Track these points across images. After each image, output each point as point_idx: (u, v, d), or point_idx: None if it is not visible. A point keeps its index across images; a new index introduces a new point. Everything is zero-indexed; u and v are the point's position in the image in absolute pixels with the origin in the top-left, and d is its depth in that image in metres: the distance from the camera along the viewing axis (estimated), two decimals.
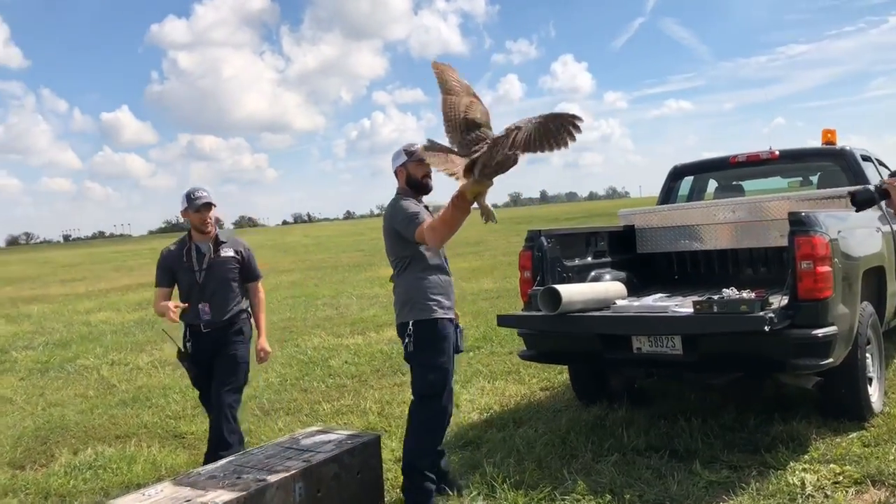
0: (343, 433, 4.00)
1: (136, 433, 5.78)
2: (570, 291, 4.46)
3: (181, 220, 4.56)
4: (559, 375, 6.20)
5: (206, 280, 4.38)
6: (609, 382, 5.45)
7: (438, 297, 3.73)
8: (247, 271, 4.57)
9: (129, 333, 11.61)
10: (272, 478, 3.35)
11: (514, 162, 3.02)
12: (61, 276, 29.61)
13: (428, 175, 3.80)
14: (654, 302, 4.52)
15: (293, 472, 3.43)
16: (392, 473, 4.18)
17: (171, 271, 4.43)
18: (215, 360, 4.40)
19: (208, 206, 4.40)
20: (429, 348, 3.71)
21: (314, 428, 4.28)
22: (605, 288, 4.77)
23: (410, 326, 3.71)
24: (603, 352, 4.63)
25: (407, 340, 3.73)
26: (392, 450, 4.57)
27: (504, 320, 4.84)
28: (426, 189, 3.83)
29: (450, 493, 3.86)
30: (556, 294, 4.36)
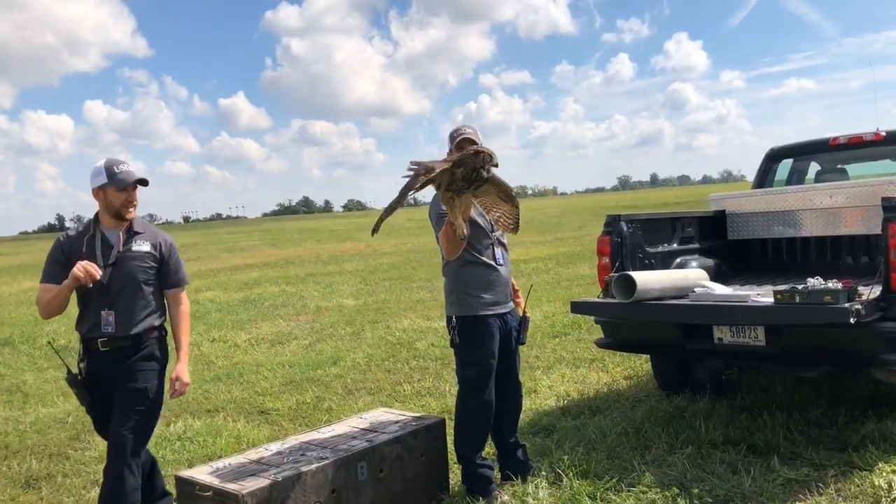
0: (409, 415, 4.04)
1: (225, 408, 6.02)
2: (647, 278, 4.33)
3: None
4: (644, 364, 6.05)
5: (113, 280, 3.33)
6: (693, 373, 5.30)
7: (479, 293, 3.69)
8: (166, 274, 3.50)
9: (233, 312, 12.09)
10: (335, 456, 3.42)
11: (460, 177, 3.19)
12: None
13: None
14: (735, 290, 4.33)
15: (356, 451, 3.49)
16: None
17: (68, 265, 3.28)
18: (116, 392, 3.38)
19: (143, 182, 3.41)
20: (469, 344, 3.70)
21: (381, 409, 4.33)
22: (685, 275, 4.60)
23: (454, 320, 3.73)
24: (683, 342, 4.49)
25: (452, 333, 3.75)
26: None
27: (578, 307, 4.74)
28: None
29: (513, 478, 3.84)
30: (631, 281, 4.24)
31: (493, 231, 3.76)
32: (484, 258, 3.73)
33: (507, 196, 3.46)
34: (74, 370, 3.40)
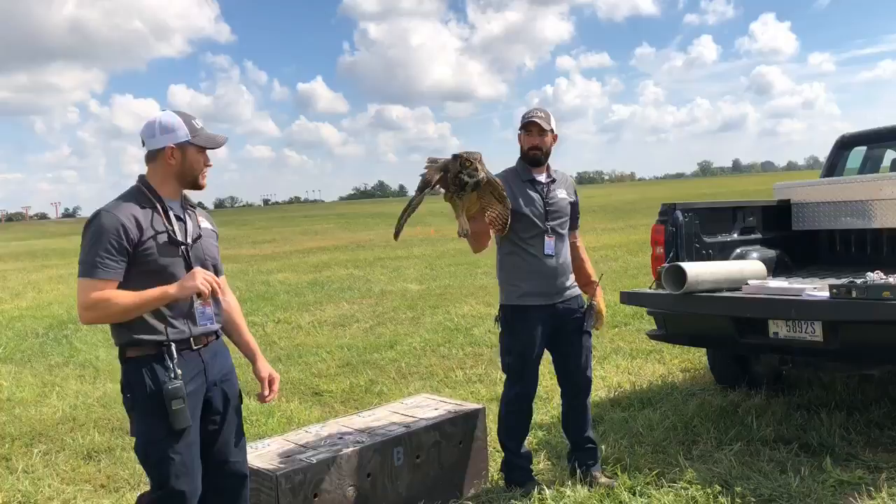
0: (449, 402, 4.04)
1: (281, 388, 6.07)
2: (698, 270, 4.21)
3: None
4: (702, 357, 5.89)
5: (196, 262, 2.63)
6: (751, 368, 5.14)
7: (520, 282, 3.64)
8: None
9: (301, 294, 12.32)
10: (371, 441, 3.45)
11: (449, 181, 3.27)
12: (254, 238, 31.86)
13: (534, 147, 3.66)
14: (790, 284, 4.17)
15: (392, 436, 3.51)
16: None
17: (132, 247, 2.48)
18: (214, 403, 2.72)
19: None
20: (508, 332, 3.69)
21: (423, 395, 4.35)
22: (740, 267, 4.45)
23: (500, 307, 3.73)
24: (737, 336, 4.35)
25: (498, 320, 3.75)
26: None
27: (628, 297, 4.64)
28: (533, 161, 3.70)
29: (576, 472, 3.76)
30: (682, 272, 4.13)
31: (546, 220, 3.69)
32: (528, 248, 3.66)
33: (500, 196, 3.46)
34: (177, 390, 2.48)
